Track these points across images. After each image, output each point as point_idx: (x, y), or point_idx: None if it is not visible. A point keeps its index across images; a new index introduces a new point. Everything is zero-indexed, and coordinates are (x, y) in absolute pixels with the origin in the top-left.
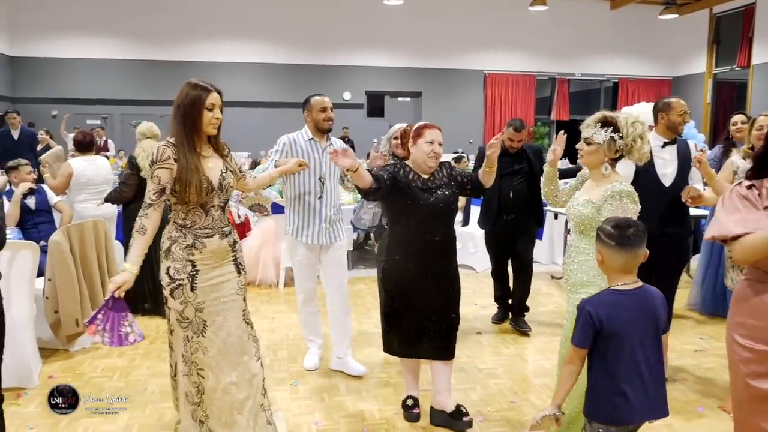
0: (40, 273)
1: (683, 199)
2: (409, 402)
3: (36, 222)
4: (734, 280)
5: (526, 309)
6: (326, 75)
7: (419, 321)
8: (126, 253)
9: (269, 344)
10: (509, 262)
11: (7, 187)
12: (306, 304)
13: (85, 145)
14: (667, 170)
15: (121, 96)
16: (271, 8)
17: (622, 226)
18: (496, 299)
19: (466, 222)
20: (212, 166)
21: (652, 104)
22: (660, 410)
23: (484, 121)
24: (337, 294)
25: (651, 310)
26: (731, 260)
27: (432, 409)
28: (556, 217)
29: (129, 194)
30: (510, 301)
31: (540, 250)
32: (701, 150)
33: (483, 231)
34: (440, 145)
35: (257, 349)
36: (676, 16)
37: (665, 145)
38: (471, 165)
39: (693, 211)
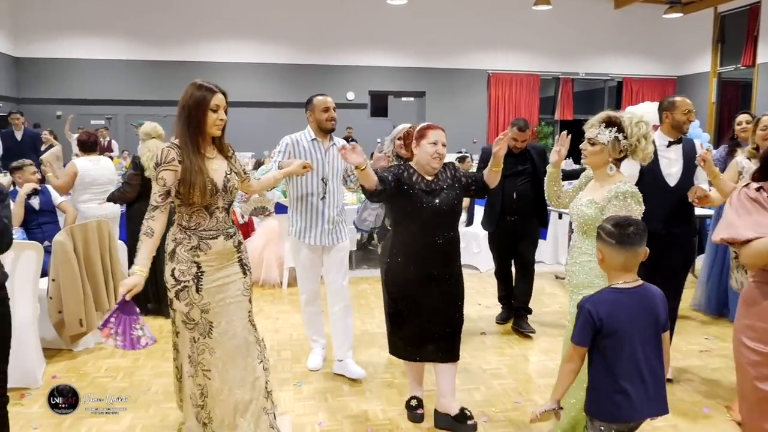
0: (44, 273)
1: (690, 199)
2: (413, 402)
3: (40, 222)
4: (738, 280)
5: (529, 311)
6: (329, 75)
7: (423, 323)
8: (129, 253)
9: (273, 344)
10: (513, 262)
11: (12, 188)
12: (309, 305)
13: (89, 146)
14: (672, 170)
15: (125, 96)
16: (275, 8)
17: (622, 225)
18: (500, 299)
19: (470, 222)
20: (216, 168)
21: (656, 104)
22: (660, 408)
23: (488, 121)
24: (337, 296)
25: (651, 309)
26: (736, 261)
27: (436, 411)
28: (560, 216)
29: (132, 194)
30: (513, 302)
31: (544, 250)
32: (707, 149)
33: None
34: (444, 145)
35: (260, 352)
36: (681, 15)
37: (670, 144)
38: (475, 165)
39: (698, 211)
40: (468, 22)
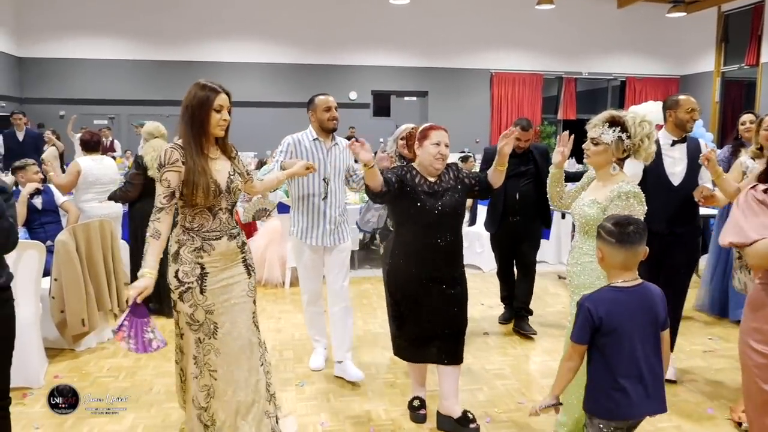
0: (47, 273)
1: (696, 199)
2: (416, 403)
3: (43, 222)
4: (741, 281)
5: (530, 312)
6: (332, 75)
7: (425, 325)
8: (131, 253)
9: (275, 344)
10: (514, 262)
11: (15, 188)
12: (311, 305)
13: (92, 145)
14: (676, 169)
15: (128, 96)
16: (278, 8)
17: (622, 224)
18: (503, 299)
19: (473, 221)
20: (220, 168)
21: (659, 103)
22: (659, 406)
23: (491, 121)
24: (338, 296)
25: (650, 307)
26: (739, 261)
27: (439, 414)
28: (563, 216)
29: (134, 194)
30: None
31: (547, 250)
32: (711, 149)
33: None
34: (446, 146)
35: (262, 354)
36: (684, 14)
37: (674, 143)
38: (478, 165)
39: (702, 211)
40: (470, 22)
